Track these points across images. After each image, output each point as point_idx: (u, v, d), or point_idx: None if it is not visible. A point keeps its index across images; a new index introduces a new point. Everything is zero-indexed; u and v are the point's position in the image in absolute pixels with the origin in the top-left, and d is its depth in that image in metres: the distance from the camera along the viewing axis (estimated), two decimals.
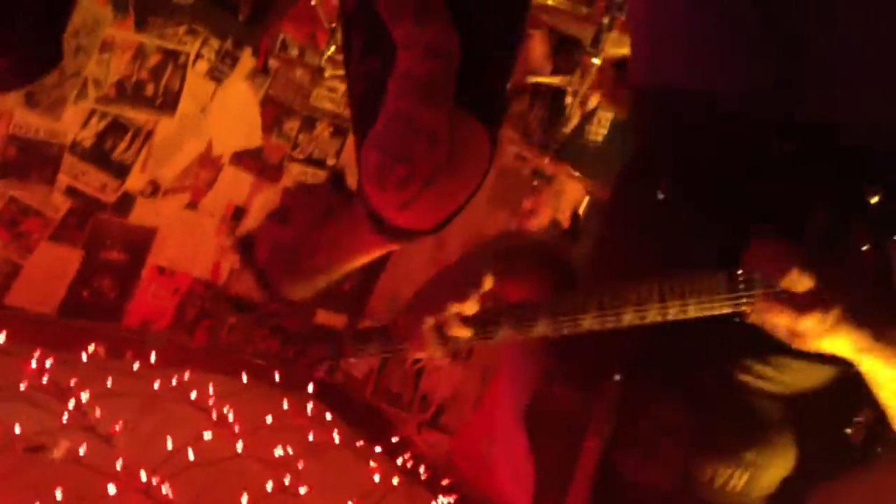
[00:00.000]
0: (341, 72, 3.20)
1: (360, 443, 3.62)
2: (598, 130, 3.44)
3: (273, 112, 3.72)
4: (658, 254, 1.31)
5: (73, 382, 3.06)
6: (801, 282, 1.06)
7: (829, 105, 1.24)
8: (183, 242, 3.65)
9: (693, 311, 1.15)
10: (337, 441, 3.54)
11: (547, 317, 1.27)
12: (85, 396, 3.01)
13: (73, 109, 3.26)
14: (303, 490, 3.11)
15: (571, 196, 3.54)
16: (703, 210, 1.29)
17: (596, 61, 3.25)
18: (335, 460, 3.47)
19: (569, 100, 3.52)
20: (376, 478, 3.43)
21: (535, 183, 3.63)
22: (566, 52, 3.49)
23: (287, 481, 3.12)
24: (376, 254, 1.87)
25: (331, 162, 3.91)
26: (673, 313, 1.16)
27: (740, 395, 1.25)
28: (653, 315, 1.18)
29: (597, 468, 1.32)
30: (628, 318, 1.20)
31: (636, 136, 1.61)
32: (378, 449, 3.58)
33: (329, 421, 3.73)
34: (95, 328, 3.51)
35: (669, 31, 1.43)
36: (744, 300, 1.12)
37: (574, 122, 3.50)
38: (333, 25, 3.24)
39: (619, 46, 3.14)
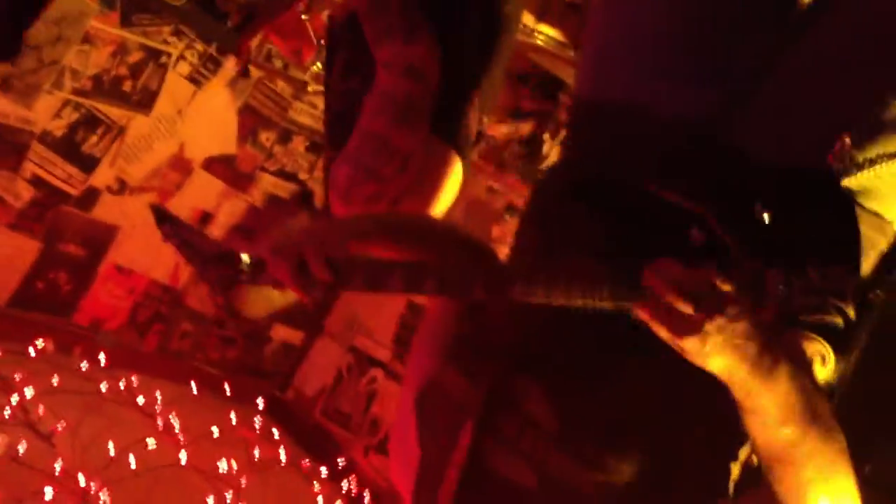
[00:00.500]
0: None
1: (306, 462, 3.57)
2: None
3: (251, 121, 3.69)
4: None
5: (17, 377, 2.98)
6: (683, 305, 1.07)
7: (753, 134, 1.29)
8: (144, 243, 3.59)
9: (577, 298, 1.15)
10: (283, 459, 3.49)
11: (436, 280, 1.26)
12: (29, 392, 2.93)
13: (47, 98, 3.20)
14: None
15: None
16: (619, 222, 1.31)
17: None
18: (279, 479, 3.42)
19: (546, 136, 3.53)
20: (319, 501, 3.38)
21: (507, 217, 3.63)
22: (547, 89, 3.51)
23: (229, 497, 3.06)
24: None
25: (303, 176, 3.88)
26: (556, 295, 1.16)
27: (615, 396, 1.26)
28: (539, 296, 1.17)
29: (466, 460, 1.32)
30: (517, 291, 1.18)
31: (566, 145, 1.66)
32: (324, 471, 3.53)
33: (276, 438, 3.68)
34: (46, 322, 3.44)
35: (616, 47, 1.46)
36: (628, 301, 1.12)
37: (551, 157, 3.51)
38: (322, 42, 3.22)
39: None
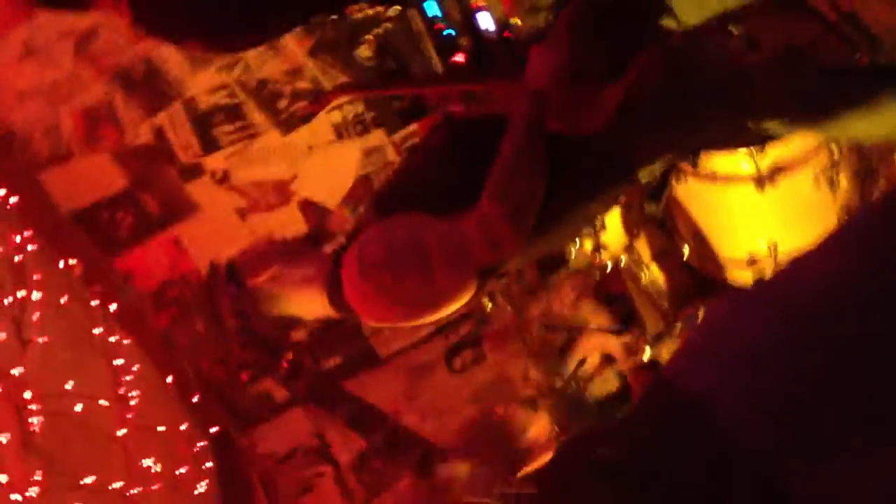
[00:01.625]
0: None
1: None
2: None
3: (361, 191, 3.81)
4: None
5: (36, 277, 3.07)
6: None
7: None
8: (211, 236, 3.69)
9: None
10: (200, 489, 3.46)
11: None
12: (35, 296, 3.01)
13: (213, 74, 3.39)
14: None
15: None
16: None
17: None
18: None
19: None
20: None
21: None
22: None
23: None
24: (315, 310, 1.98)
25: None
26: None
27: None
28: None
29: None
30: None
31: None
32: None
33: (206, 469, 3.65)
34: (89, 249, 3.54)
35: None
36: None
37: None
38: None
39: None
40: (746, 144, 2.41)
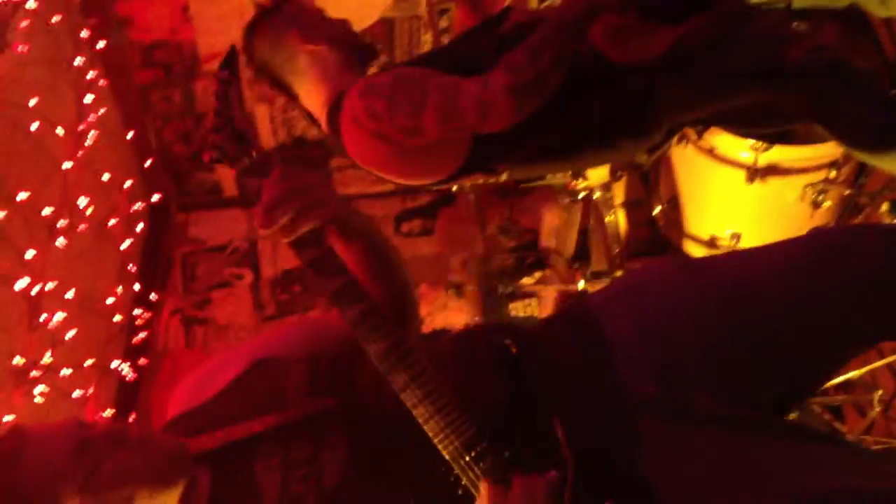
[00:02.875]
0: None
1: None
2: None
3: (379, 31, 3.75)
4: None
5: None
6: None
7: None
8: (221, 17, 3.62)
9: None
10: (124, 248, 3.51)
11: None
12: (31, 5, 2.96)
13: None
14: None
15: None
16: None
17: None
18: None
19: None
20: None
21: None
22: None
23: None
24: (312, 106, 2.09)
25: None
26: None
27: None
28: None
29: (241, 440, 1.38)
30: None
31: None
32: None
33: (136, 232, 3.69)
34: None
35: None
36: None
37: None
38: None
39: None
40: (759, 137, 2.43)
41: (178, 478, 1.35)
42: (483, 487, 1.20)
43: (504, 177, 2.09)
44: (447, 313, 3.48)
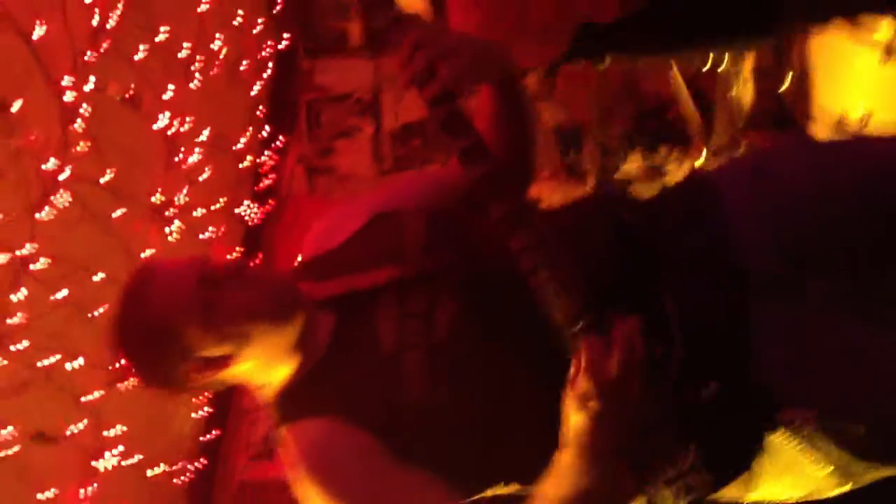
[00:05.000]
0: None
1: None
2: None
3: None
4: None
5: None
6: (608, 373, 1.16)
7: None
8: None
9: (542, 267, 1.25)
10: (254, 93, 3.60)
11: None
12: None
13: None
14: None
15: None
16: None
17: None
18: None
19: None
20: None
21: None
22: None
23: None
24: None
25: None
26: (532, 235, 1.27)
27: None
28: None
29: (363, 288, 1.45)
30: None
31: None
32: None
33: (265, 76, 3.78)
34: None
35: None
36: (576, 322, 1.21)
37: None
38: None
39: None
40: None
41: (292, 314, 1.43)
42: (584, 343, 1.18)
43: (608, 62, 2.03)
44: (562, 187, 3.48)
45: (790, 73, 2.92)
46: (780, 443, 1.34)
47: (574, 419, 1.18)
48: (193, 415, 2.98)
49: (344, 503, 1.33)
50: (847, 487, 1.38)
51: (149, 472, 2.65)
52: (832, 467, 1.34)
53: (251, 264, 1.64)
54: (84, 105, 2.58)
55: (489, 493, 1.44)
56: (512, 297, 1.33)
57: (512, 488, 1.43)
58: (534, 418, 1.29)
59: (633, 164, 3.27)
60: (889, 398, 1.31)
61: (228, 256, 3.27)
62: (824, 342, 1.33)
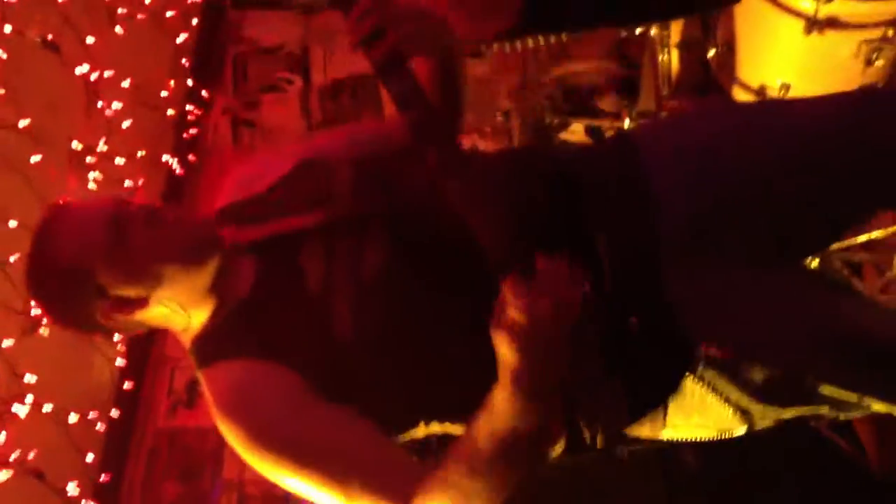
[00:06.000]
0: None
1: None
2: None
3: None
4: None
5: None
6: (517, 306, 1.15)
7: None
8: None
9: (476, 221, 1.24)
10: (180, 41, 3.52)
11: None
12: None
13: None
14: None
15: None
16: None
17: None
18: None
19: None
20: None
21: None
22: None
23: None
24: None
25: None
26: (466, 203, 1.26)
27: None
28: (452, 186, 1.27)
29: (282, 231, 1.46)
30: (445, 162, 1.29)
31: None
32: None
33: (191, 25, 3.71)
34: None
35: None
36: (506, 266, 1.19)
37: None
38: None
39: None
40: None
41: (205, 256, 1.44)
42: (509, 279, 1.16)
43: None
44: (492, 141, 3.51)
45: (716, 42, 2.98)
46: (689, 384, 1.40)
47: (504, 355, 1.17)
48: (111, 363, 2.94)
49: (266, 442, 1.33)
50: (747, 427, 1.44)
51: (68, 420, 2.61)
52: (733, 408, 1.41)
53: (167, 207, 1.62)
54: (0, 50, 2.51)
55: (421, 433, 1.46)
56: (443, 239, 1.36)
57: (444, 427, 1.45)
58: (464, 357, 1.32)
59: (556, 120, 3.32)
60: (788, 346, 1.38)
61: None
62: (734, 290, 1.40)
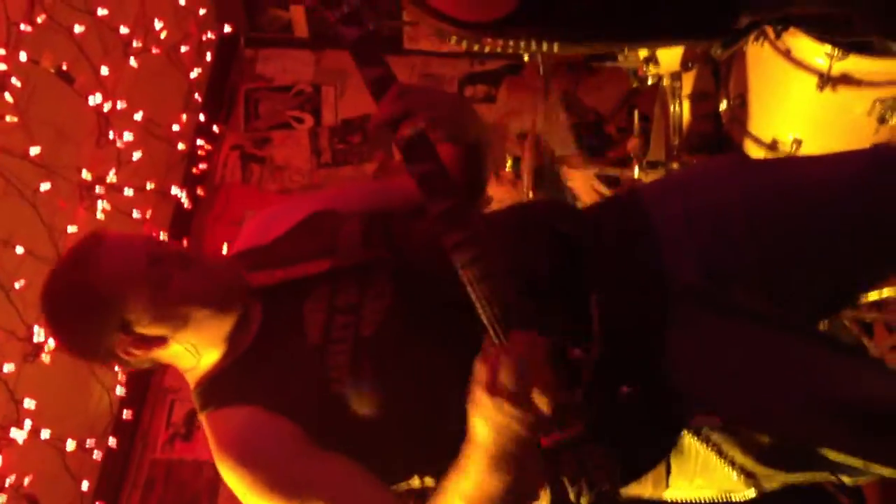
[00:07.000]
0: None
1: None
2: None
3: None
4: None
5: None
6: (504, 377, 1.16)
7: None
8: None
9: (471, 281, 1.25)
10: (194, 76, 3.55)
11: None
12: None
13: None
14: None
15: None
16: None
17: None
18: None
19: None
20: None
21: None
22: None
23: None
24: None
25: None
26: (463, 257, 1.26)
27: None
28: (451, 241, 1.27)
29: (293, 278, 1.46)
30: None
31: None
32: None
33: (204, 62, 3.73)
34: None
35: None
36: (497, 328, 1.22)
37: None
38: None
39: None
40: (837, 44, 2.38)
41: (235, 305, 1.45)
42: (481, 356, 1.19)
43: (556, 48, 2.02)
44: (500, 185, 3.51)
45: (728, 95, 2.99)
46: (693, 445, 1.38)
47: (474, 425, 1.20)
48: (110, 392, 2.93)
49: (266, 488, 1.33)
50: (754, 491, 1.42)
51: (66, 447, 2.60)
52: (738, 471, 1.38)
53: (200, 252, 1.63)
54: (14, 78, 2.52)
55: (416, 483, 1.45)
56: (441, 294, 1.35)
57: (430, 482, 1.44)
58: (459, 414, 1.30)
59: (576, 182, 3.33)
60: (793, 412, 1.36)
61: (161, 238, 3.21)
62: (735, 354, 1.38)
